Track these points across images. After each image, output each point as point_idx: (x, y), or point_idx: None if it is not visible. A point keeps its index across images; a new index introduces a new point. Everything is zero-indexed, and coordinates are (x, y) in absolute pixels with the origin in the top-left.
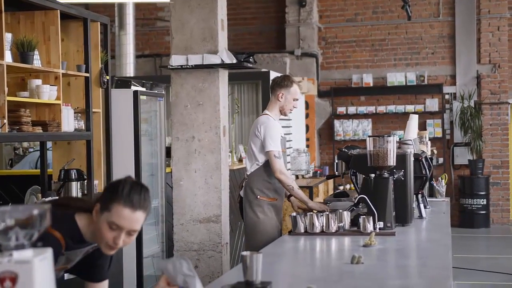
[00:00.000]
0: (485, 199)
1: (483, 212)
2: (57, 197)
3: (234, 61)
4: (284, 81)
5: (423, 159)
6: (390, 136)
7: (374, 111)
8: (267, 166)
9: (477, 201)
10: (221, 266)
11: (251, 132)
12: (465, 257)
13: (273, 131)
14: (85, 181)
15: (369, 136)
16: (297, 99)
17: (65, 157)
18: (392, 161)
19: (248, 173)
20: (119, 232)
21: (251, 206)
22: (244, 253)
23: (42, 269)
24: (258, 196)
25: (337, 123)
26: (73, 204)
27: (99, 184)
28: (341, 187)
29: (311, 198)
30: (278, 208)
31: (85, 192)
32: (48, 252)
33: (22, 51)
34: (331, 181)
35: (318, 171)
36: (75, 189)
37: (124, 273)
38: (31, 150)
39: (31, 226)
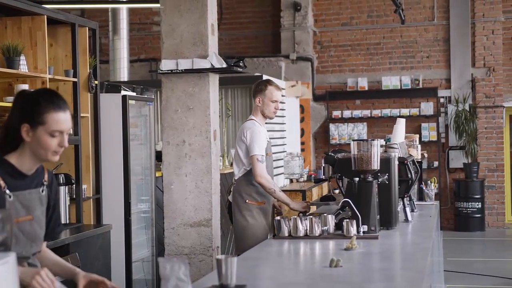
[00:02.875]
0: (480, 203)
1: (478, 215)
2: None
3: (224, 65)
4: (259, 86)
5: (409, 163)
6: (374, 140)
7: (369, 115)
8: None
9: (472, 204)
10: (212, 270)
11: (237, 137)
12: (459, 261)
13: (259, 136)
14: (73, 185)
15: (353, 140)
16: (275, 101)
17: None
18: (376, 165)
19: (236, 178)
20: (61, 136)
21: (240, 211)
22: (219, 257)
23: (2, 274)
24: (247, 200)
25: (332, 127)
26: None
27: (87, 189)
28: (337, 191)
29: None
30: (267, 212)
31: (74, 196)
32: (11, 257)
33: (8, 56)
34: (325, 185)
35: (313, 175)
36: (63, 194)
37: (113, 277)
38: None
39: None
